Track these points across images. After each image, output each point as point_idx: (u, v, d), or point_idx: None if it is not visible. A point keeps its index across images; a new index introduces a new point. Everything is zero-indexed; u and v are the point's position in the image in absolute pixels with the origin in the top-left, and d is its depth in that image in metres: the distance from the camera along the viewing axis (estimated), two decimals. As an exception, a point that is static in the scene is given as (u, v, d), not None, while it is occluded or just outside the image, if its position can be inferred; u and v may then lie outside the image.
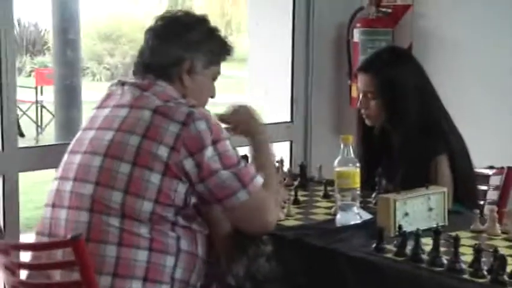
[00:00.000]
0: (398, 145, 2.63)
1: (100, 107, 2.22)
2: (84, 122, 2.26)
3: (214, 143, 2.03)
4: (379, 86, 2.60)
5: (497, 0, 3.54)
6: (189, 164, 2.00)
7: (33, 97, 9.74)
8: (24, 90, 10.21)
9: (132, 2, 18.30)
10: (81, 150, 2.13)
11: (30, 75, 12.31)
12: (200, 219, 2.13)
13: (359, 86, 2.68)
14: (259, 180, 2.11)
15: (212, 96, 2.29)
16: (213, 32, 2.24)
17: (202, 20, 2.24)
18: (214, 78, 2.27)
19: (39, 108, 9.68)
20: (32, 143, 9.12)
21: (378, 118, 2.65)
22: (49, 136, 9.07)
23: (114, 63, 15.16)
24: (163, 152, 2.00)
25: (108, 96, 2.22)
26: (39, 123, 9.63)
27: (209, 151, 2.02)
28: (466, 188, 2.60)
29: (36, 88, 9.79)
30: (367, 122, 2.69)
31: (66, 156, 2.19)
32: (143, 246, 2.00)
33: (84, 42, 15.03)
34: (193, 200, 2.07)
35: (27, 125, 9.83)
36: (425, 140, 2.56)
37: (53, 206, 2.12)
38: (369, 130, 2.73)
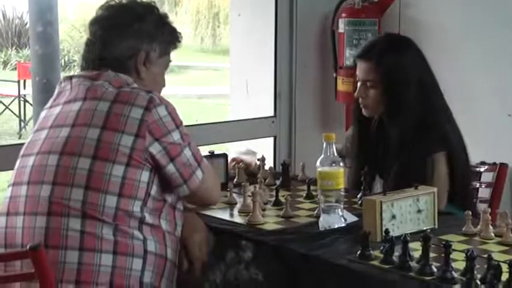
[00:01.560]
0: (395, 139, 2.47)
1: (51, 106, 2.10)
2: (36, 123, 2.12)
3: (177, 126, 2.00)
4: (381, 74, 2.44)
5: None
6: (155, 149, 1.95)
7: (17, 91, 9.58)
8: (8, 84, 10.08)
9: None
10: (34, 152, 2.01)
11: (15, 69, 12.13)
12: (169, 217, 2.02)
13: (358, 74, 2.52)
14: (205, 160, 2.13)
15: (163, 85, 2.20)
16: (163, 20, 2.15)
17: (152, 8, 2.15)
18: (166, 67, 2.20)
19: (22, 103, 9.51)
20: (15, 138, 8.98)
21: (376, 108, 2.50)
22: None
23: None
24: (126, 141, 1.92)
25: (59, 94, 2.11)
26: (22, 118, 9.46)
27: (175, 134, 1.99)
28: (462, 188, 2.47)
29: (18, 82, 9.63)
30: (365, 112, 2.53)
31: (18, 161, 2.07)
32: (107, 250, 1.89)
33: (71, 34, 14.98)
34: (153, 191, 1.97)
35: (11, 120, 9.67)
36: (424, 135, 2.42)
37: (8, 214, 1.99)
38: (366, 123, 2.57)
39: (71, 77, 2.09)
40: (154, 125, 1.95)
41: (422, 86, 2.46)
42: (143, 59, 2.08)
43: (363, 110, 2.53)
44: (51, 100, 2.11)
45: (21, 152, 2.06)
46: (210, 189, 2.13)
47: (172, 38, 2.16)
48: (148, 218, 1.95)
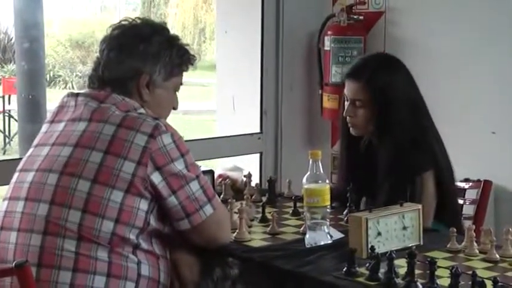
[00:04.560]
0: (385, 159, 2.47)
1: (53, 121, 2.09)
2: (37, 137, 2.11)
3: (182, 155, 1.97)
4: (370, 94, 2.45)
5: (470, 7, 3.46)
6: (157, 179, 1.92)
7: (1, 106, 9.56)
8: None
9: (106, 9, 18.15)
10: (34, 168, 2.00)
11: (0, 84, 12.09)
12: (162, 241, 2.02)
13: (346, 94, 2.52)
14: (217, 196, 2.10)
15: (174, 108, 2.18)
16: (172, 42, 2.11)
17: (161, 30, 2.12)
18: (176, 90, 2.16)
19: (6, 118, 9.48)
20: (-1, 154, 8.94)
21: (365, 128, 2.50)
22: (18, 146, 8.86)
23: (87, 71, 14.89)
24: (127, 168, 1.90)
25: (61, 108, 2.09)
26: (7, 133, 9.42)
27: (178, 164, 1.96)
28: (448, 205, 2.49)
29: (3, 97, 9.60)
30: (353, 131, 2.53)
31: (16, 175, 2.05)
32: (100, 272, 1.88)
33: (56, 50, 14.94)
34: (152, 220, 1.95)
35: (-5, 135, 9.63)
36: (413, 155, 2.42)
37: (1, 228, 1.98)
38: (353, 142, 2.58)
39: (77, 94, 2.07)
40: (157, 153, 1.92)
41: (411, 105, 2.47)
42: (145, 81, 2.05)
43: (351, 129, 2.53)
44: (52, 114, 2.10)
45: (20, 166, 2.05)
46: (218, 229, 2.07)
47: (181, 60, 2.11)
48: (143, 245, 1.95)
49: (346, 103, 2.52)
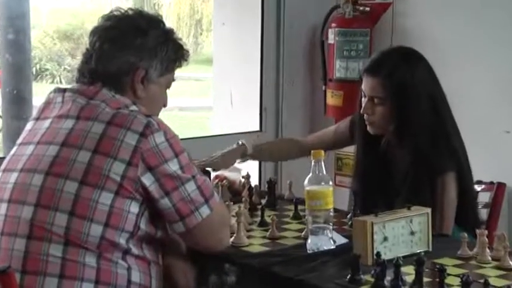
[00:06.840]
0: (405, 159, 2.47)
1: (39, 118, 2.08)
2: (21, 135, 2.10)
3: (177, 155, 1.96)
4: (390, 90, 2.44)
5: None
6: (148, 180, 1.92)
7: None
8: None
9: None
10: (17, 168, 2.00)
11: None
12: (152, 246, 2.02)
13: (364, 90, 2.52)
14: (217, 196, 2.07)
15: (165, 105, 2.18)
16: (168, 36, 2.12)
17: (157, 22, 2.12)
18: (168, 86, 2.17)
19: (-9, 114, 9.49)
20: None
21: (383, 126, 2.50)
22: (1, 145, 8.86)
23: (76, 64, 14.87)
24: (117, 168, 1.90)
25: (47, 105, 2.09)
26: (-8, 130, 9.43)
27: (172, 164, 1.94)
28: (469, 210, 2.50)
29: (-13, 92, 9.61)
30: (370, 130, 2.53)
31: None
32: (89, 278, 1.88)
33: (43, 42, 14.94)
34: (142, 224, 1.94)
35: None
36: (434, 154, 2.42)
37: None
38: (372, 141, 2.57)
39: (64, 90, 2.07)
40: (149, 153, 1.91)
41: (432, 103, 2.47)
42: (141, 77, 2.05)
43: (369, 127, 2.53)
44: (38, 111, 2.09)
45: (3, 166, 2.05)
46: (215, 231, 2.05)
47: (176, 56, 2.11)
48: (134, 250, 1.95)
49: (364, 99, 2.52)
